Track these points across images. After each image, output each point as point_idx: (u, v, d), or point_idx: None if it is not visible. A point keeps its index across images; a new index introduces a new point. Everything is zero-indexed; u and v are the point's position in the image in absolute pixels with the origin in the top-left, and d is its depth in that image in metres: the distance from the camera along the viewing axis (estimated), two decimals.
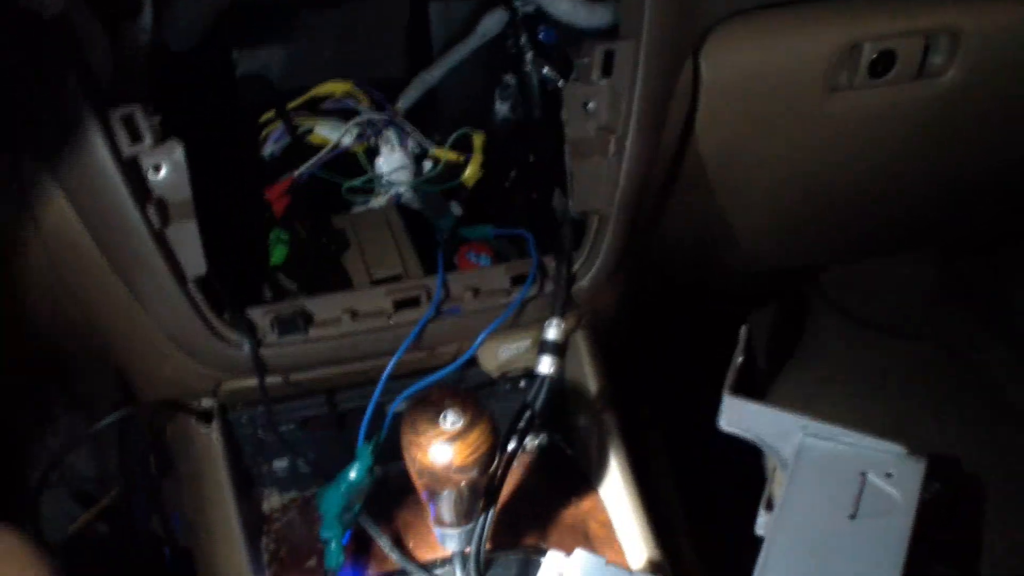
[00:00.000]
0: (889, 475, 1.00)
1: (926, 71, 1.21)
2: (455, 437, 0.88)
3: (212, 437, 1.18)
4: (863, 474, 1.01)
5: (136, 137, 0.96)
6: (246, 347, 1.08)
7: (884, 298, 2.09)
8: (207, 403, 1.18)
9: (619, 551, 1.19)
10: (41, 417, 1.79)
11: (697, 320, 1.85)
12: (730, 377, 1.07)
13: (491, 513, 1.03)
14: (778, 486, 1.04)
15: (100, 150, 0.94)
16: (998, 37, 1.21)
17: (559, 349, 1.11)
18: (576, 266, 1.15)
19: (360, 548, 1.17)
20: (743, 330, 1.10)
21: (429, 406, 0.89)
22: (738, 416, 1.07)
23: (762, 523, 1.02)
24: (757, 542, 0.99)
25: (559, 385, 1.25)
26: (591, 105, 1.11)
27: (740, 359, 1.07)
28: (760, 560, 0.95)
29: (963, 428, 1.83)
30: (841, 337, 2.05)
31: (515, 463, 1.10)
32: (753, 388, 1.56)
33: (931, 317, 2.03)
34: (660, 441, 1.65)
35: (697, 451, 1.45)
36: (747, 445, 1.11)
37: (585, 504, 1.25)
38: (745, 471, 1.28)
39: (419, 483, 0.92)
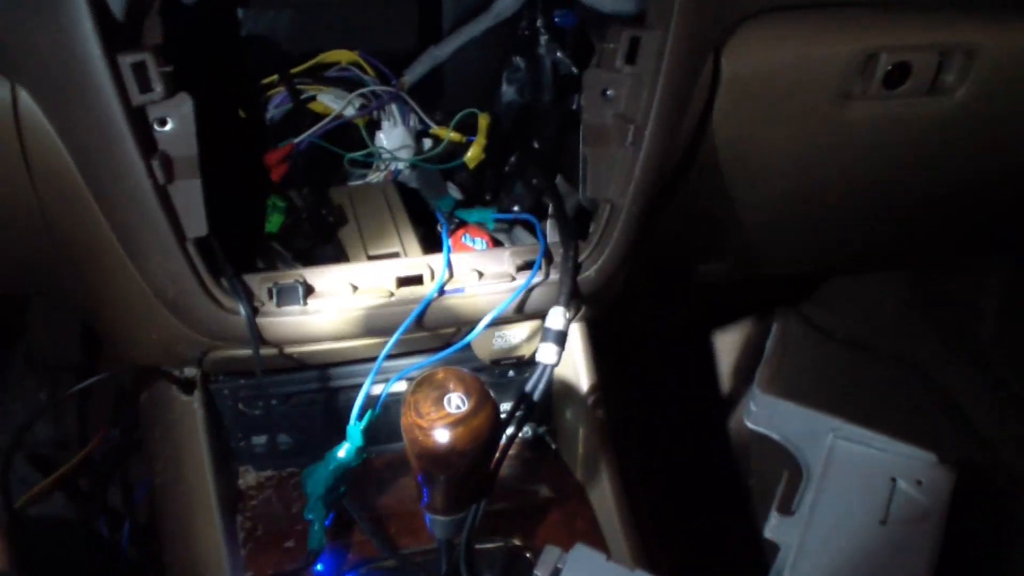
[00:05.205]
0: (919, 482, 0.99)
1: (938, 87, 1.21)
2: (459, 421, 0.83)
3: (194, 407, 1.14)
4: (893, 480, 1.00)
5: (146, 86, 0.91)
6: (243, 314, 1.02)
7: (852, 312, 2.09)
8: (190, 371, 1.14)
9: (604, 550, 1.17)
10: None
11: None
12: (762, 373, 1.04)
13: (483, 503, 1.00)
14: (792, 488, 1.02)
15: (107, 95, 0.89)
16: (1013, 58, 1.21)
17: (562, 339, 1.08)
18: (583, 256, 1.12)
19: (340, 532, 1.14)
20: (775, 326, 1.08)
21: (433, 387, 0.85)
22: (768, 414, 1.05)
23: (774, 526, 1.00)
24: (757, 543, 0.98)
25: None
26: (611, 92, 1.08)
27: (771, 355, 1.05)
28: (787, 563, 0.93)
29: (924, 447, 1.84)
30: (808, 350, 2.05)
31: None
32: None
33: (897, 333, 2.04)
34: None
35: (683, 449, 1.43)
36: (734, 446, 1.09)
37: (570, 500, 1.23)
38: (730, 472, 1.26)
39: (416, 466, 0.88)
